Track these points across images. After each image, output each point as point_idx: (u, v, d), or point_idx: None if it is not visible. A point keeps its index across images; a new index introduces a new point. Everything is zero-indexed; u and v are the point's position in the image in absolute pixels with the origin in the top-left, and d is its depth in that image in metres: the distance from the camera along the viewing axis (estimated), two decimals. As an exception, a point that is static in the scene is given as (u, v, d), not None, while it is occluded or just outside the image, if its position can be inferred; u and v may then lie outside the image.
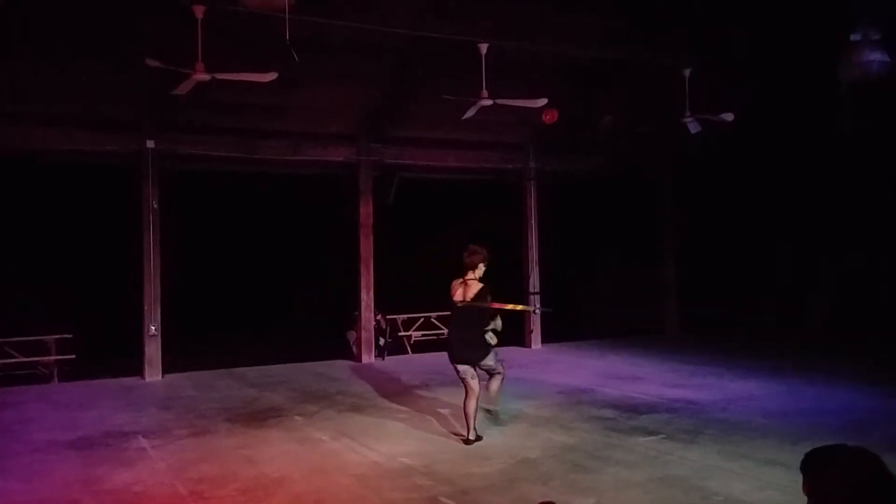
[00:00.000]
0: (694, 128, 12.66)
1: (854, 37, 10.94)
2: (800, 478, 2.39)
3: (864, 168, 15.35)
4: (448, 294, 8.55)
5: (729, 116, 12.46)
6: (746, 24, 12.89)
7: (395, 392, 11.72)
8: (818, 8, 12.03)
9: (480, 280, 8.45)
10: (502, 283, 17.00)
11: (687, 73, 12.54)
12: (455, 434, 8.82)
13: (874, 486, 2.25)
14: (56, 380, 13.48)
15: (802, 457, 2.41)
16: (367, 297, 15.14)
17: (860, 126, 14.07)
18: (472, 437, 8.45)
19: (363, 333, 15.10)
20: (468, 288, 8.41)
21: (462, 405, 8.60)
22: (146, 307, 13.27)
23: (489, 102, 11.18)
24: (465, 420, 8.54)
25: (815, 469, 2.35)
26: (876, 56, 10.93)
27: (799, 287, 17.07)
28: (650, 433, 8.78)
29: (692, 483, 6.89)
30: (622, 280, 18.04)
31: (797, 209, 17.05)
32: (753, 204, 17.57)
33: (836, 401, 10.36)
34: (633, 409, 10.13)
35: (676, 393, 11.13)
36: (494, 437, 8.75)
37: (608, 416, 9.65)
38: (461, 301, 8.41)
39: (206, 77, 9.23)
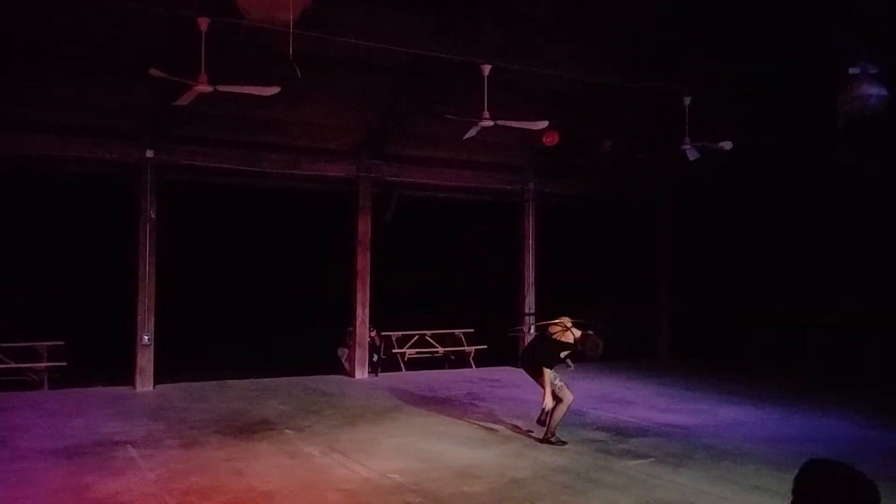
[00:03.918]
0: (692, 155, 12.72)
1: (853, 70, 11.04)
2: (785, 503, 2.37)
3: (863, 204, 15.35)
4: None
5: (728, 145, 12.53)
6: (747, 55, 12.99)
7: (388, 409, 11.70)
8: (818, 41, 12.13)
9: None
10: (498, 303, 17.15)
11: (687, 101, 12.62)
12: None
13: None
14: (46, 387, 13.42)
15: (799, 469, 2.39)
16: (362, 313, 15.15)
17: (858, 160, 14.12)
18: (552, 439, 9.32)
19: (357, 349, 15.09)
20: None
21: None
22: (140, 316, 13.27)
23: (490, 123, 11.22)
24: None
25: (807, 480, 2.33)
26: (874, 90, 11.02)
27: (794, 320, 17.04)
28: (640, 456, 8.79)
29: (681, 508, 6.90)
30: (617, 304, 18.04)
31: (794, 243, 17.06)
32: (750, 235, 17.59)
33: (825, 430, 10.36)
34: (624, 432, 10.13)
35: (667, 417, 11.13)
36: (485, 456, 8.75)
37: (599, 439, 9.65)
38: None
39: (208, 89, 9.27)
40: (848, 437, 9.93)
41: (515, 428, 10.28)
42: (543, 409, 9.34)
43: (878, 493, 2.28)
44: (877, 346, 15.11)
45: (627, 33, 12.58)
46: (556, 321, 9.63)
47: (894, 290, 15.09)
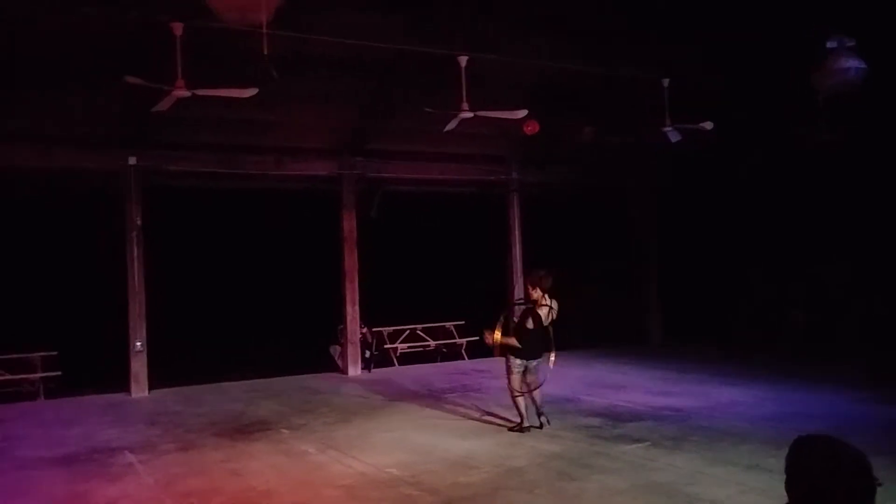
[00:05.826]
0: (674, 137, 12.73)
1: (830, 44, 11.06)
2: (782, 481, 2.40)
3: (839, 178, 15.43)
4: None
5: (709, 125, 12.54)
6: (724, 35, 13.01)
7: (382, 404, 11.75)
8: (795, 18, 12.16)
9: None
10: (487, 293, 17.15)
11: (665, 83, 12.64)
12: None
13: (840, 478, 2.27)
14: (42, 397, 13.41)
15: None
16: (352, 311, 15.17)
17: (837, 136, 14.17)
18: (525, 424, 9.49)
19: (349, 346, 15.11)
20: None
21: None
22: (131, 323, 13.25)
23: (470, 115, 11.23)
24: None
25: (798, 455, 2.37)
26: (853, 63, 11.04)
27: (776, 298, 17.13)
28: (635, 440, 8.85)
29: (677, 489, 6.96)
30: (605, 290, 18.08)
31: (776, 221, 17.14)
32: (734, 215, 17.66)
33: (818, 406, 10.45)
34: (619, 417, 10.20)
35: (661, 401, 11.20)
36: (480, 447, 8.80)
37: (594, 425, 9.71)
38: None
39: (186, 94, 9.25)
40: (840, 412, 10.01)
41: (509, 417, 10.32)
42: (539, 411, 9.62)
43: (868, 462, 2.31)
44: (854, 318, 15.25)
45: (601, 17, 12.56)
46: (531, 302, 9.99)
47: (871, 261, 15.23)
